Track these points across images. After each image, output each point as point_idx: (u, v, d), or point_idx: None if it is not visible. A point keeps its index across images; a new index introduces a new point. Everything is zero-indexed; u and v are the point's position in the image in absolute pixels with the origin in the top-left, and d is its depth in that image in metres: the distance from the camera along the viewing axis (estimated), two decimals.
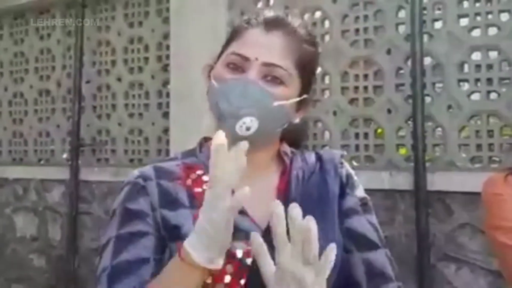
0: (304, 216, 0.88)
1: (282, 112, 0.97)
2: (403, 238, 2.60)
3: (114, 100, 3.76)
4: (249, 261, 0.91)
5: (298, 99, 1.00)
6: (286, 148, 1.08)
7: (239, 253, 0.91)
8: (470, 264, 2.47)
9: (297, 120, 1.03)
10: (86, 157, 3.78)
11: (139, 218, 0.97)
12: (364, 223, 1.03)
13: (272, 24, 0.99)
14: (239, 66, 0.97)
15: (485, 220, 1.39)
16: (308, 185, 1.02)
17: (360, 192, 1.07)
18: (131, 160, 3.66)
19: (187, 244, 0.84)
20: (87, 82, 3.84)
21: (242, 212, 0.94)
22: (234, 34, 1.02)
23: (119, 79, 3.75)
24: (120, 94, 3.74)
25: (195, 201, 0.96)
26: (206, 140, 1.08)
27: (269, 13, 1.02)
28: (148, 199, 0.98)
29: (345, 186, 1.05)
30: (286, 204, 0.91)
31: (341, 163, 1.08)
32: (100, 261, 0.96)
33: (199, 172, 1.02)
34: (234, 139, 0.90)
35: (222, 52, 1.03)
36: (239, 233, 0.91)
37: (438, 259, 2.53)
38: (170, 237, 0.95)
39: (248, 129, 0.93)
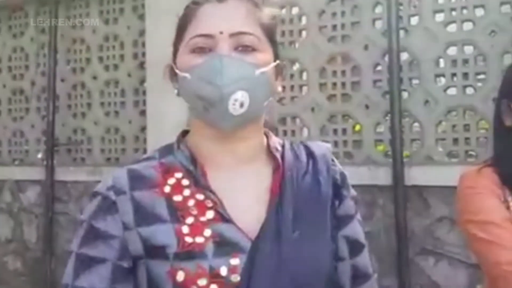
0: (295, 222, 0.88)
1: (266, 80, 0.89)
2: (382, 232, 2.61)
3: (90, 98, 3.70)
4: (235, 278, 0.83)
5: (274, 63, 0.93)
6: (275, 140, 1.00)
7: (224, 271, 0.83)
8: (449, 258, 2.49)
9: (279, 89, 0.97)
10: (61, 157, 3.72)
11: (102, 240, 0.87)
12: (357, 227, 0.99)
13: None
14: (204, 47, 0.88)
15: (458, 213, 1.38)
16: (301, 187, 0.94)
17: (352, 191, 1.01)
18: (108, 159, 3.61)
19: None
20: (62, 80, 3.77)
21: (228, 220, 0.87)
22: (185, 19, 0.92)
23: (94, 77, 3.69)
24: (96, 92, 3.68)
25: (176, 213, 0.87)
26: (184, 135, 0.98)
27: None
28: (119, 218, 0.87)
29: (341, 187, 0.98)
30: (279, 208, 0.90)
31: (333, 160, 1.01)
32: (66, 270, 0.89)
33: (177, 175, 0.91)
34: (229, 123, 0.86)
35: (177, 45, 0.94)
36: (224, 247, 0.84)
37: (416, 253, 2.55)
38: (151, 255, 0.86)
39: (242, 105, 0.85)
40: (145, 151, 3.36)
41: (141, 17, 3.49)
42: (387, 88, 2.70)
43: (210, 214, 0.87)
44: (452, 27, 2.63)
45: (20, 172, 3.89)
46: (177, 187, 0.90)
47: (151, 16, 3.32)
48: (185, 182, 0.90)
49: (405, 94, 2.69)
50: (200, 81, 0.86)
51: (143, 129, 3.43)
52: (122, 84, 3.58)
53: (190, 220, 0.86)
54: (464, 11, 2.60)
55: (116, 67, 3.62)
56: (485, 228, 1.25)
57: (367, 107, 2.79)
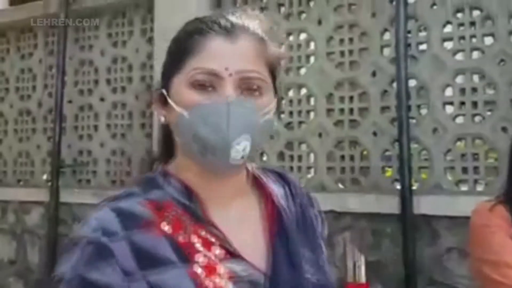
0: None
1: (269, 124, 0.85)
2: (390, 262, 2.57)
3: (97, 120, 3.71)
4: None
5: (274, 103, 0.87)
6: (253, 166, 0.95)
7: None
8: None
9: (275, 124, 0.93)
10: (66, 179, 3.70)
11: None
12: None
13: (234, 30, 0.84)
14: (207, 84, 0.81)
15: (471, 250, 1.36)
16: (291, 212, 0.92)
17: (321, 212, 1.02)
18: (113, 182, 3.59)
19: None
20: (69, 102, 3.78)
21: (236, 255, 0.82)
22: (188, 47, 0.84)
23: (101, 99, 3.70)
24: (103, 114, 3.68)
25: (183, 253, 0.79)
26: (164, 168, 0.89)
27: (227, 18, 0.86)
28: (115, 264, 0.75)
29: (315, 209, 0.99)
30: (283, 236, 0.88)
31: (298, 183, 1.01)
32: None
33: (171, 211, 0.83)
34: (226, 170, 0.83)
35: (171, 71, 0.85)
36: (242, 285, 0.80)
37: (425, 284, 2.50)
38: None
39: (243, 156, 0.80)
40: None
41: (150, 40, 3.50)
42: (395, 115, 2.69)
43: (217, 250, 0.82)
44: (460, 56, 2.63)
45: (24, 193, 3.88)
46: (176, 225, 0.82)
47: (160, 39, 3.33)
48: (182, 218, 0.83)
49: (413, 122, 2.68)
50: (201, 123, 0.79)
51: (150, 152, 3.42)
52: (129, 106, 3.58)
53: (200, 259, 0.80)
54: (473, 39, 2.59)
55: (123, 89, 3.63)
56: (498, 268, 1.23)
57: (375, 134, 2.77)
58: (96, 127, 3.71)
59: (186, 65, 0.83)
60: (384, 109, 2.77)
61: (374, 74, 2.81)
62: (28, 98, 4.02)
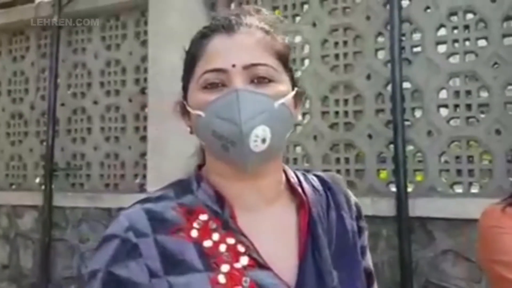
0: (332, 263, 0.84)
1: (286, 111, 0.83)
2: (386, 265, 2.58)
3: (90, 123, 3.69)
4: None
5: (293, 92, 0.86)
6: (290, 173, 0.93)
7: None
8: None
9: (299, 118, 0.92)
10: (59, 182, 3.68)
11: None
12: (370, 258, 0.97)
13: (235, 25, 0.84)
14: (217, 82, 0.81)
15: (481, 253, 1.36)
16: (329, 225, 0.89)
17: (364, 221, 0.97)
18: (107, 185, 3.58)
19: None
20: (62, 105, 3.76)
21: (263, 266, 0.80)
22: (194, 54, 0.86)
23: (95, 102, 3.68)
24: (96, 117, 3.67)
25: (208, 260, 0.79)
26: (199, 168, 0.90)
27: (227, 17, 0.86)
28: (143, 263, 0.77)
29: (359, 219, 0.95)
30: (315, 249, 0.84)
31: (347, 191, 0.97)
32: None
33: (202, 217, 0.83)
34: (251, 161, 0.80)
35: (187, 82, 0.87)
36: None
37: (421, 286, 2.51)
38: None
39: (264, 140, 0.78)
40: (144, 177, 3.34)
41: (144, 43, 3.49)
42: (390, 117, 2.70)
43: (244, 260, 0.79)
44: (454, 59, 2.65)
45: (17, 197, 3.86)
46: (205, 231, 0.81)
47: (154, 42, 3.33)
48: (212, 225, 0.82)
49: (407, 124, 2.69)
50: (216, 118, 0.79)
51: (143, 155, 3.41)
52: (123, 109, 3.57)
53: (225, 268, 0.78)
54: (467, 43, 2.61)
55: (117, 92, 3.61)
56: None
57: (370, 136, 2.78)
58: (89, 130, 3.69)
59: (195, 70, 0.85)
60: (379, 111, 2.78)
61: (369, 77, 2.82)
62: (21, 101, 4.00)
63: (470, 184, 2.56)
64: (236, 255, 0.80)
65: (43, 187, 3.65)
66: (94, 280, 0.78)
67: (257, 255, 0.80)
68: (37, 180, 3.84)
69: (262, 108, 0.79)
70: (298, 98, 0.89)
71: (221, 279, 0.77)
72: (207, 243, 0.80)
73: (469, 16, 2.62)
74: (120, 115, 3.58)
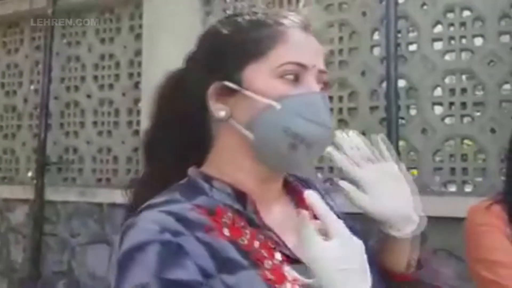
0: None
1: None
2: None
3: (83, 117, 3.66)
4: None
5: None
6: None
7: None
8: None
9: None
10: (52, 176, 3.65)
11: None
12: None
13: (308, 25, 0.83)
14: (295, 75, 0.78)
15: (467, 250, 1.34)
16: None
17: None
18: (99, 180, 3.55)
19: None
20: (55, 98, 3.73)
21: (296, 260, 0.76)
22: (270, 38, 0.79)
23: (88, 96, 3.65)
24: (89, 111, 3.64)
25: (250, 257, 0.74)
26: (203, 171, 0.84)
27: (295, 14, 0.85)
28: (193, 262, 0.69)
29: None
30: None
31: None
32: None
33: (226, 216, 0.77)
34: (306, 164, 0.82)
35: (238, 63, 0.79)
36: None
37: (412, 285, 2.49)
38: None
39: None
40: (137, 172, 3.31)
41: (138, 37, 3.46)
42: (384, 115, 2.67)
43: (278, 256, 0.77)
44: (450, 56, 2.62)
45: (9, 191, 3.82)
46: (235, 230, 0.76)
47: (148, 36, 3.30)
48: (239, 223, 0.77)
49: (402, 122, 2.66)
50: (296, 115, 0.76)
51: (136, 150, 3.38)
52: (116, 103, 3.54)
53: (268, 264, 0.74)
54: (463, 40, 2.58)
55: (110, 86, 3.58)
56: (495, 269, 1.22)
57: (364, 133, 2.74)
58: (82, 124, 3.66)
59: (269, 54, 0.79)
60: (373, 109, 2.76)
61: (363, 73, 2.79)
62: (14, 94, 3.97)
63: (464, 182, 2.54)
64: (271, 251, 0.77)
65: (35, 181, 3.61)
66: None
67: (286, 250, 0.78)
68: (29, 174, 3.81)
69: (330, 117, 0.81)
70: None
71: (269, 275, 0.73)
72: (242, 241, 0.75)
73: (466, 13, 2.60)
74: (113, 109, 3.55)
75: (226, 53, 0.81)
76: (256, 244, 0.76)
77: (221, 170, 0.82)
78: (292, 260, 0.77)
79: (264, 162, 0.80)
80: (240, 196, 0.79)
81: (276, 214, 0.83)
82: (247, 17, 0.83)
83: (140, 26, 3.43)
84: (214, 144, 0.84)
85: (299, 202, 0.86)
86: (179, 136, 0.86)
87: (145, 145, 0.90)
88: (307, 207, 0.83)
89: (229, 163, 0.82)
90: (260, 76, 0.78)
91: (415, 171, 2.65)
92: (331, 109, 2.79)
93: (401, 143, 2.64)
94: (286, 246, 0.79)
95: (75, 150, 3.66)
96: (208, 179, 0.81)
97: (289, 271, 0.71)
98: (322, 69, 0.82)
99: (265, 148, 0.78)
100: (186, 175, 0.84)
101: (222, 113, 0.80)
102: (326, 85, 0.83)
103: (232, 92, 0.79)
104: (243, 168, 0.81)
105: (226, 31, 0.82)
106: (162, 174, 0.85)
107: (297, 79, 0.78)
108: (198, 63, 0.85)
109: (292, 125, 0.76)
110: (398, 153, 2.59)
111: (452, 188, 2.56)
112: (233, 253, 0.72)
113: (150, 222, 0.71)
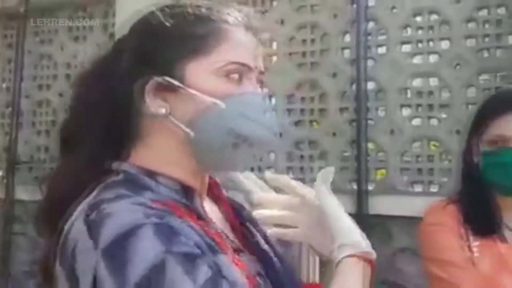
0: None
1: None
2: None
3: (55, 116, 3.62)
4: None
5: None
6: None
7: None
8: None
9: None
10: (22, 175, 3.60)
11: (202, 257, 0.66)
12: None
13: (248, 24, 0.81)
14: (238, 75, 0.78)
15: (421, 249, 1.36)
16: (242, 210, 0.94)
17: None
18: None
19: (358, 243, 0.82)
20: (27, 97, 3.69)
21: (240, 250, 0.80)
22: (213, 34, 0.77)
23: (60, 95, 3.62)
24: (61, 110, 3.60)
25: (216, 244, 0.72)
26: (140, 165, 0.78)
27: (243, 11, 0.83)
28: (189, 239, 0.67)
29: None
30: (247, 229, 0.88)
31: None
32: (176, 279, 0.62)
33: (179, 210, 0.73)
34: (246, 163, 0.85)
35: (178, 59, 0.77)
36: (260, 278, 0.78)
37: (378, 283, 2.52)
38: None
39: None
40: None
41: (111, 35, 3.44)
42: (353, 116, 2.71)
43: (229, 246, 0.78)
44: (418, 59, 2.67)
45: None
46: (194, 221, 0.73)
47: (121, 35, 3.28)
48: (191, 216, 0.74)
49: (370, 123, 2.70)
50: (240, 116, 0.75)
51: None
52: None
53: (229, 252, 0.74)
54: (430, 43, 2.63)
55: None
56: (446, 268, 1.23)
57: (334, 134, 2.79)
58: (54, 123, 3.62)
59: (212, 52, 0.77)
60: (343, 110, 2.79)
61: (334, 75, 2.82)
62: None
63: (430, 183, 2.58)
64: (223, 242, 0.76)
65: (5, 180, 3.56)
66: (161, 271, 0.62)
67: (230, 241, 0.79)
68: (0, 173, 3.76)
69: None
70: None
71: (236, 261, 0.73)
72: (203, 230, 0.72)
73: (433, 17, 2.65)
74: None
75: (166, 46, 0.78)
76: (212, 235, 0.75)
77: (158, 167, 0.78)
78: (239, 250, 0.79)
79: (202, 159, 0.79)
80: (188, 191, 0.78)
81: (207, 207, 0.83)
82: (190, 10, 0.79)
83: (113, 25, 3.41)
84: (146, 141, 0.80)
85: (215, 197, 0.89)
86: (98, 128, 0.80)
87: (60, 136, 0.85)
88: (224, 201, 0.89)
89: (165, 160, 0.79)
90: (203, 74, 0.76)
91: (383, 171, 2.69)
92: (302, 110, 2.83)
93: (369, 144, 2.67)
94: (228, 237, 0.80)
95: (47, 149, 3.62)
96: (151, 174, 0.77)
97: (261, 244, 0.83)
98: (262, 70, 0.82)
99: (205, 146, 0.77)
100: (101, 170, 0.78)
101: (162, 110, 0.76)
102: (263, 86, 0.83)
103: (172, 88, 0.76)
104: (180, 164, 0.79)
105: (168, 23, 0.79)
106: (76, 168, 0.79)
107: (240, 79, 0.78)
108: (130, 52, 0.81)
109: (236, 125, 0.75)
110: (367, 154, 2.62)
111: (419, 188, 2.61)
112: (206, 238, 0.70)
113: (128, 210, 0.67)
